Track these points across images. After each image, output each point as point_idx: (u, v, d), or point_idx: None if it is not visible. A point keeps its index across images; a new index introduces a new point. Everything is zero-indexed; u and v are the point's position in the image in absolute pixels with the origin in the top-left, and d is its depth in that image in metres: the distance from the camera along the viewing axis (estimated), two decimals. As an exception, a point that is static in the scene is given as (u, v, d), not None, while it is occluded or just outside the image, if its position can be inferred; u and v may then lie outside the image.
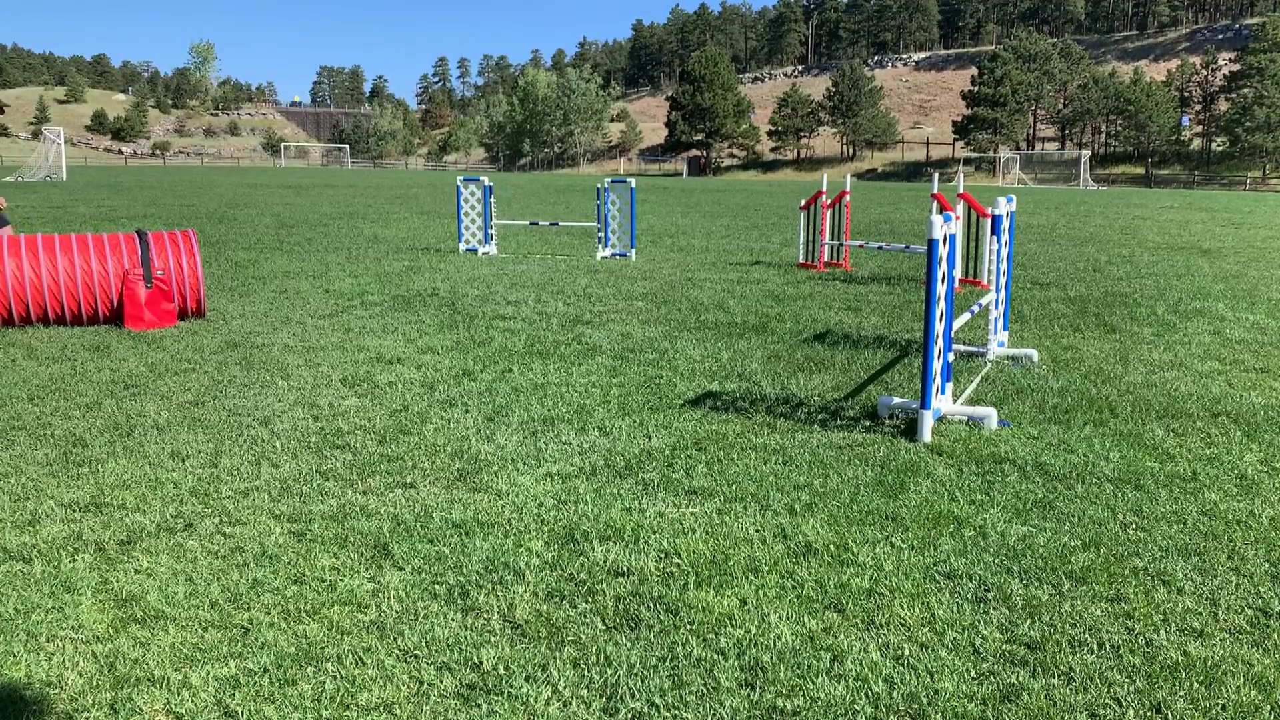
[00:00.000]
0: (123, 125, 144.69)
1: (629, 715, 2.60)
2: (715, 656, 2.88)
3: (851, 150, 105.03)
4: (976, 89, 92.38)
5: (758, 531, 3.81)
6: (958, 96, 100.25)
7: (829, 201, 12.89)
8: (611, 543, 3.67)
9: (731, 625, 3.06)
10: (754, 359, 7.01)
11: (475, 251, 14.47)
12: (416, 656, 2.86)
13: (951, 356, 5.66)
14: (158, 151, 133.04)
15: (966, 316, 6.41)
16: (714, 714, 2.60)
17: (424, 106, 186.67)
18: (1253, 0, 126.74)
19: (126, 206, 23.89)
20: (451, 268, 12.57)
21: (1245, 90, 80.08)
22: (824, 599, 3.24)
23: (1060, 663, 2.85)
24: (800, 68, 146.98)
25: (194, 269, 8.24)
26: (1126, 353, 7.36)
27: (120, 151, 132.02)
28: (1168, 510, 4.08)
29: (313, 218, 21.32)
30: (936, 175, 13.32)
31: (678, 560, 3.52)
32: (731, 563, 3.51)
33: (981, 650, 2.93)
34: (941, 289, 5.10)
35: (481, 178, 15.03)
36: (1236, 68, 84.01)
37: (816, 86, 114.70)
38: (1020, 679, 2.76)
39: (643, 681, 2.74)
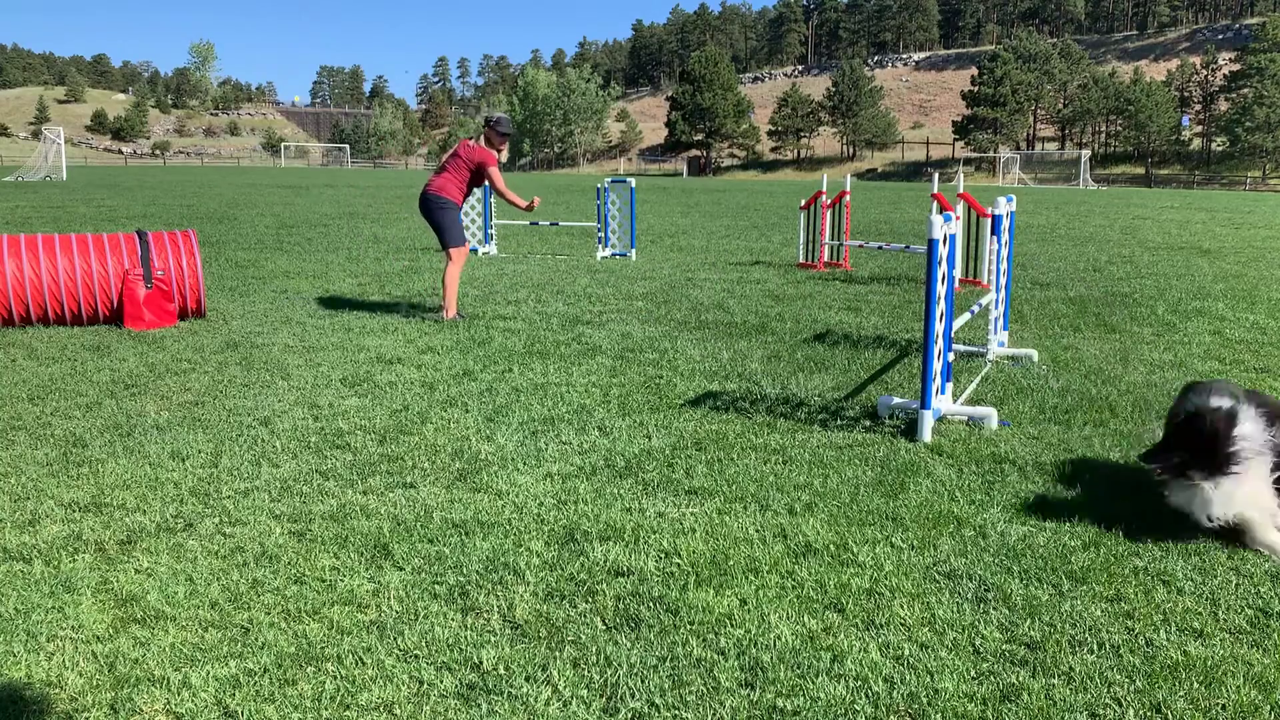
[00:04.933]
0: (123, 125, 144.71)
1: (629, 715, 2.60)
2: (715, 656, 2.88)
3: (851, 150, 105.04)
4: (976, 89, 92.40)
5: (758, 531, 3.81)
6: (958, 96, 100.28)
7: (829, 201, 12.88)
8: (611, 543, 3.67)
9: (731, 625, 3.06)
10: (754, 359, 7.01)
11: (475, 251, 14.47)
12: (416, 656, 2.86)
13: (951, 356, 5.66)
14: (158, 151, 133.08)
15: (966, 316, 6.41)
16: (714, 714, 2.60)
17: (424, 106, 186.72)
18: (1253, 0, 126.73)
19: (126, 206, 23.89)
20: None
21: (1245, 90, 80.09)
22: (824, 599, 3.24)
23: (1060, 663, 2.85)
24: (800, 68, 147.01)
25: (194, 269, 8.24)
26: (1126, 353, 7.36)
27: (120, 151, 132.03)
28: (1168, 510, 4.07)
29: (313, 218, 21.32)
30: (936, 175, 13.31)
31: (678, 560, 3.52)
32: (731, 563, 3.51)
33: (981, 650, 2.93)
34: (941, 289, 5.09)
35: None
36: (1236, 68, 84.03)
37: (816, 86, 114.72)
38: (1020, 679, 2.76)
39: (643, 681, 2.74)
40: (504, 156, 8.94)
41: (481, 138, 8.89)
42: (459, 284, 8.75)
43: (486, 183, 8.95)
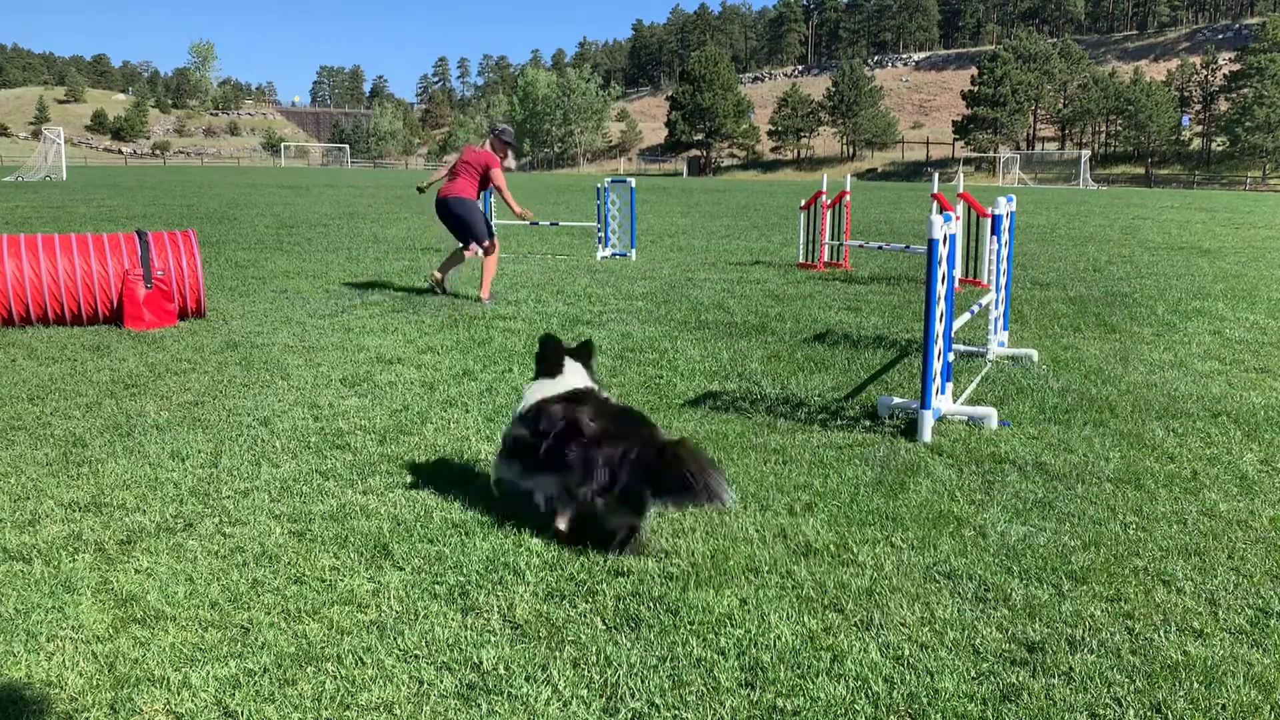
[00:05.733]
0: (123, 125, 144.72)
1: (629, 715, 2.60)
2: (715, 656, 2.88)
3: (851, 150, 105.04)
4: (976, 89, 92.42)
5: (758, 531, 3.81)
6: (958, 96, 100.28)
7: (829, 201, 12.88)
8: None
9: (731, 625, 3.06)
10: (754, 359, 7.00)
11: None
12: (416, 656, 2.86)
13: (951, 356, 5.66)
14: (158, 151, 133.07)
15: (966, 316, 6.41)
16: (714, 714, 2.60)
17: (424, 106, 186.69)
18: (1253, 0, 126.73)
19: (126, 206, 23.89)
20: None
21: (1245, 90, 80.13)
22: (824, 599, 3.24)
23: (1060, 663, 2.85)
24: (800, 68, 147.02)
25: (194, 269, 8.24)
26: (1126, 353, 7.36)
27: (120, 151, 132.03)
28: (1168, 510, 4.08)
29: (313, 218, 21.31)
30: (936, 175, 13.31)
31: (678, 560, 3.52)
32: (731, 563, 3.51)
33: (981, 650, 2.93)
34: (941, 289, 5.09)
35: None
36: (1236, 68, 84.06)
37: (816, 86, 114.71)
38: (1020, 679, 2.76)
39: (643, 681, 2.74)
40: (510, 163, 9.80)
41: (486, 143, 9.79)
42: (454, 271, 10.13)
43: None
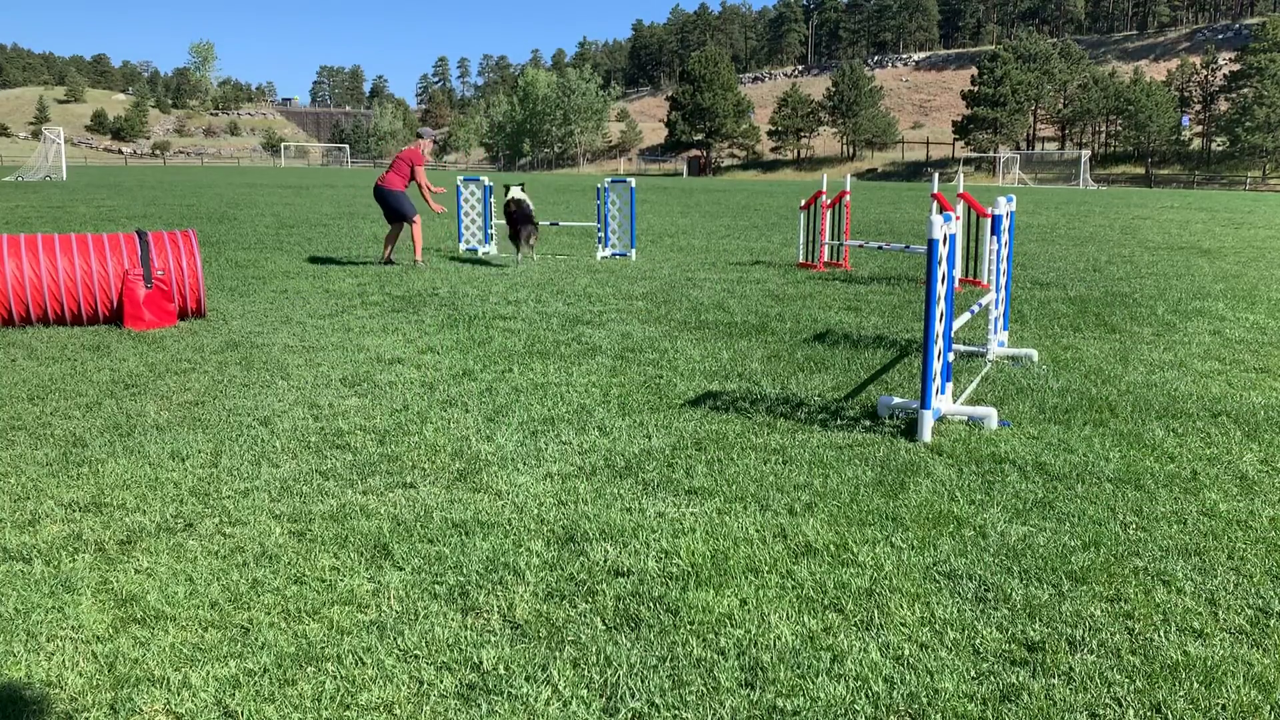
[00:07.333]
0: (123, 125, 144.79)
1: (629, 715, 2.60)
2: (715, 656, 2.88)
3: (851, 150, 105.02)
4: (976, 89, 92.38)
5: (758, 531, 3.81)
6: (958, 96, 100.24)
7: (829, 201, 12.88)
8: (611, 543, 3.67)
9: (731, 625, 3.06)
10: (754, 359, 7.01)
11: (475, 251, 14.47)
12: (416, 656, 2.86)
13: (951, 356, 5.65)
14: (158, 151, 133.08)
15: (966, 316, 6.41)
16: (714, 714, 2.60)
17: (424, 106, 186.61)
18: (1253, 0, 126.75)
19: (126, 206, 23.88)
20: (451, 267, 12.58)
21: (1245, 90, 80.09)
22: (824, 599, 3.24)
23: (1060, 663, 2.85)
24: (800, 68, 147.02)
25: (194, 269, 8.23)
26: (1126, 353, 7.36)
27: (120, 151, 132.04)
28: (1168, 510, 4.08)
29: (313, 218, 21.31)
30: (936, 175, 13.30)
31: (678, 560, 3.52)
32: (731, 563, 3.51)
33: (981, 650, 2.93)
34: (941, 289, 5.09)
35: (481, 177, 15.02)
36: (1236, 68, 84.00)
37: (816, 86, 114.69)
38: (1020, 679, 2.76)
39: (643, 681, 2.74)
40: (429, 159, 13.08)
41: (416, 144, 12.85)
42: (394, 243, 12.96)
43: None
